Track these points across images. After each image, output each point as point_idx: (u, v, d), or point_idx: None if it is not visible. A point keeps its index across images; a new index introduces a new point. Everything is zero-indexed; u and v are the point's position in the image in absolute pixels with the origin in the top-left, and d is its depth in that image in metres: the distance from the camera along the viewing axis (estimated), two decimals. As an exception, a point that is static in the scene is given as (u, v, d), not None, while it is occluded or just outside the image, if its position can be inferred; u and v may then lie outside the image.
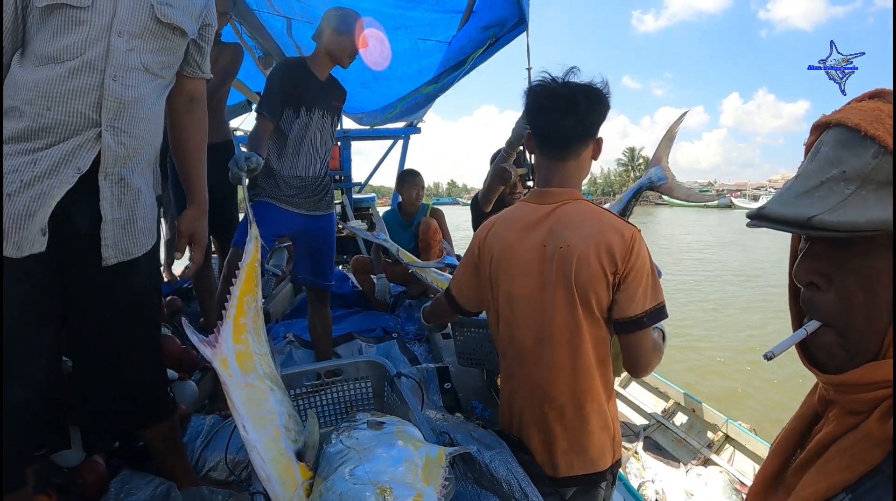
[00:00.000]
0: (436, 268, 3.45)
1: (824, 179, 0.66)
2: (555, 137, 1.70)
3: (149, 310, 1.84)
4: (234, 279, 1.70)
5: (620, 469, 4.04)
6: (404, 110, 4.97)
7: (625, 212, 2.37)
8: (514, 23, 2.94)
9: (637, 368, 1.65)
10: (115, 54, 1.53)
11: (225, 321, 1.58)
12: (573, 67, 1.70)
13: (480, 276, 1.84)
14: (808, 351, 0.75)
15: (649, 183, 2.37)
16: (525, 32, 2.96)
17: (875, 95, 0.67)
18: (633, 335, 1.59)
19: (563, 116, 1.65)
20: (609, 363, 1.70)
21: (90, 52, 1.50)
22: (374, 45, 3.59)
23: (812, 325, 0.71)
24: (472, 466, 1.58)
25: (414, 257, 3.68)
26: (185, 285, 4.64)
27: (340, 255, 6.69)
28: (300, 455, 1.40)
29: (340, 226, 8.15)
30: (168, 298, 3.85)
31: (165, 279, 4.82)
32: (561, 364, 1.65)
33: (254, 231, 1.86)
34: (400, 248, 3.58)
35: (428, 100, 4.63)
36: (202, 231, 1.95)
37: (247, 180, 2.22)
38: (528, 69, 3.05)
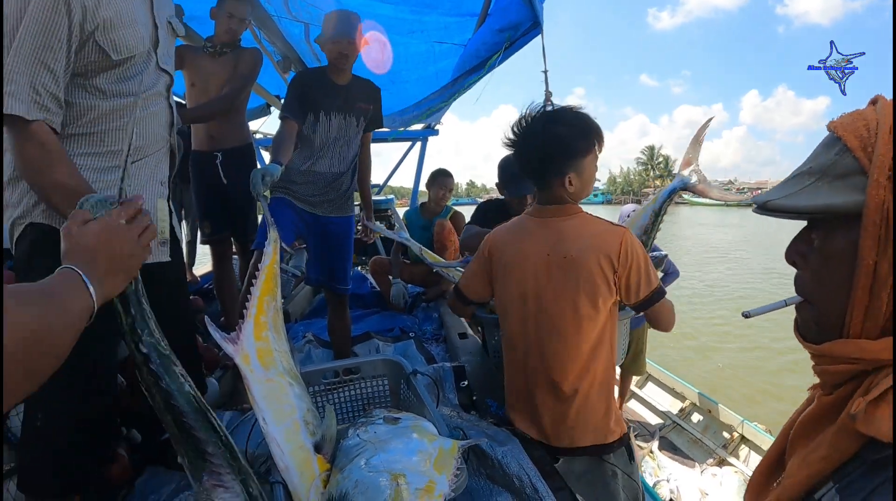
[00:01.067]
0: (459, 268, 3.47)
1: (798, 173, 0.77)
2: (527, 168, 1.95)
3: (188, 300, 1.98)
4: (253, 280, 1.76)
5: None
6: (421, 114, 5.01)
7: (659, 212, 2.51)
8: (528, 26, 2.96)
9: (661, 328, 1.98)
10: (172, 79, 1.77)
11: (246, 320, 1.64)
12: (548, 104, 1.88)
13: (491, 276, 2.05)
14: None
15: (682, 185, 2.50)
16: (540, 35, 3.00)
17: (873, 102, 0.73)
18: (653, 308, 1.89)
19: (530, 150, 1.91)
20: (608, 348, 1.91)
21: (158, 84, 1.71)
22: (373, 47, 3.64)
23: (793, 299, 0.81)
24: (485, 462, 1.64)
25: (438, 256, 3.69)
26: (207, 285, 4.73)
27: (360, 256, 6.76)
28: (318, 448, 1.47)
29: (359, 227, 8.23)
30: (190, 297, 3.93)
31: (188, 279, 4.92)
32: (567, 353, 1.86)
33: (273, 234, 1.93)
34: (423, 247, 3.58)
35: (446, 101, 4.66)
36: None
37: (266, 199, 2.29)
38: (545, 72, 3.09)
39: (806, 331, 0.80)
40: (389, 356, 2.08)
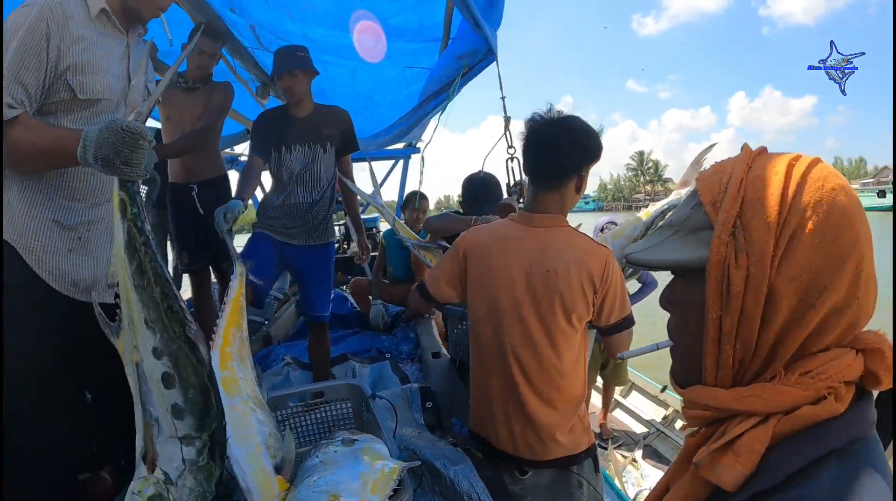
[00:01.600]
0: (434, 247, 3.44)
1: (661, 225, 0.80)
2: (537, 172, 1.92)
3: None
4: (220, 313, 1.87)
5: (615, 480, 4.11)
6: (395, 136, 5.11)
7: (650, 226, 2.61)
8: (483, 53, 3.07)
9: (615, 355, 2.08)
10: None
11: (212, 351, 1.76)
12: (560, 111, 1.90)
13: (464, 279, 2.01)
14: None
15: (677, 204, 2.59)
16: (495, 63, 3.11)
17: (758, 153, 0.73)
18: (616, 335, 1.92)
19: (545, 156, 1.86)
20: (581, 363, 1.95)
21: None
22: (366, 38, 3.73)
23: (665, 343, 0.83)
24: (439, 480, 1.74)
25: (412, 232, 3.68)
26: (190, 310, 4.80)
27: (346, 275, 6.85)
28: (278, 469, 1.57)
29: (344, 246, 8.30)
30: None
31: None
32: (541, 367, 1.87)
33: (239, 268, 2.03)
34: (397, 219, 3.54)
35: (413, 125, 4.74)
36: None
37: (231, 235, 2.38)
38: (503, 98, 3.19)
39: (675, 375, 0.81)
40: (351, 380, 2.18)
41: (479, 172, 3.20)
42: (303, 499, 1.37)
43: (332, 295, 4.99)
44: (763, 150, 0.73)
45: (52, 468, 1.78)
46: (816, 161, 0.68)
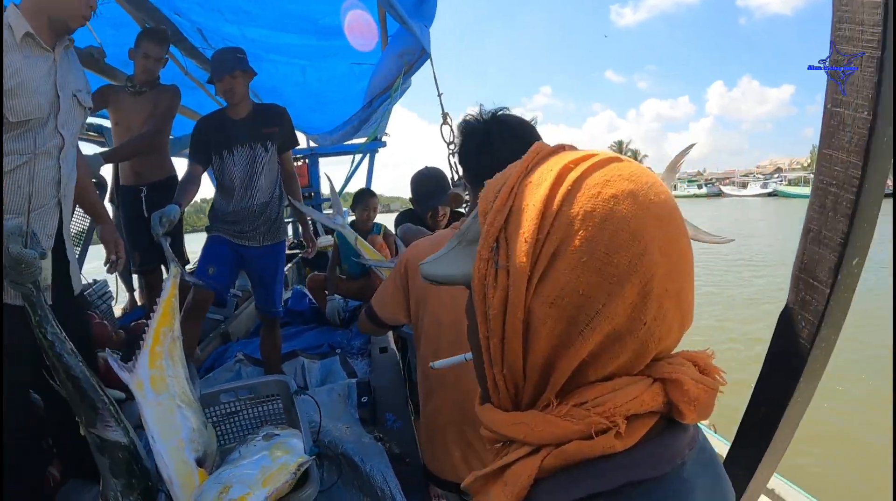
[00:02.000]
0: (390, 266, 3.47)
1: (454, 236, 0.70)
2: (475, 172, 1.77)
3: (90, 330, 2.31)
4: (151, 314, 1.95)
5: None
6: (350, 130, 5.16)
7: None
8: (419, 52, 3.16)
9: None
10: (65, 143, 2.01)
11: (142, 350, 1.86)
12: (481, 106, 1.76)
13: (408, 297, 1.89)
14: None
15: None
16: (430, 61, 3.19)
17: (548, 153, 0.64)
18: None
19: (478, 153, 1.72)
20: None
21: (48, 144, 1.94)
22: (357, 29, 3.78)
23: (470, 355, 0.73)
24: (358, 474, 1.85)
25: (373, 249, 3.68)
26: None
27: (314, 270, 6.91)
28: (200, 462, 1.66)
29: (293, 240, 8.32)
30: (136, 322, 4.02)
31: (139, 303, 5.04)
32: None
33: (173, 270, 2.10)
34: (358, 236, 3.56)
35: (366, 120, 4.80)
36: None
37: (168, 240, 2.44)
38: (440, 95, 3.29)
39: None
40: (279, 377, 2.24)
41: (424, 167, 3.27)
42: (204, 490, 1.49)
43: (292, 291, 5.08)
44: (558, 148, 0.64)
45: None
46: (606, 162, 0.59)
